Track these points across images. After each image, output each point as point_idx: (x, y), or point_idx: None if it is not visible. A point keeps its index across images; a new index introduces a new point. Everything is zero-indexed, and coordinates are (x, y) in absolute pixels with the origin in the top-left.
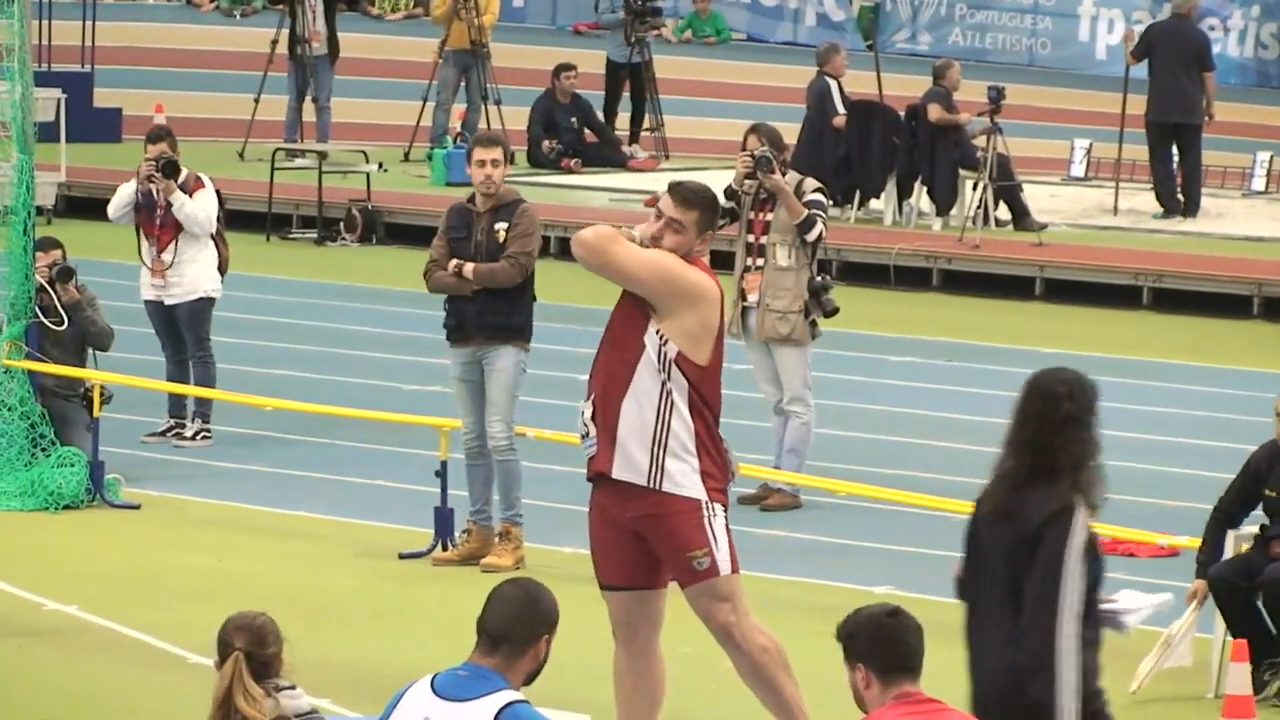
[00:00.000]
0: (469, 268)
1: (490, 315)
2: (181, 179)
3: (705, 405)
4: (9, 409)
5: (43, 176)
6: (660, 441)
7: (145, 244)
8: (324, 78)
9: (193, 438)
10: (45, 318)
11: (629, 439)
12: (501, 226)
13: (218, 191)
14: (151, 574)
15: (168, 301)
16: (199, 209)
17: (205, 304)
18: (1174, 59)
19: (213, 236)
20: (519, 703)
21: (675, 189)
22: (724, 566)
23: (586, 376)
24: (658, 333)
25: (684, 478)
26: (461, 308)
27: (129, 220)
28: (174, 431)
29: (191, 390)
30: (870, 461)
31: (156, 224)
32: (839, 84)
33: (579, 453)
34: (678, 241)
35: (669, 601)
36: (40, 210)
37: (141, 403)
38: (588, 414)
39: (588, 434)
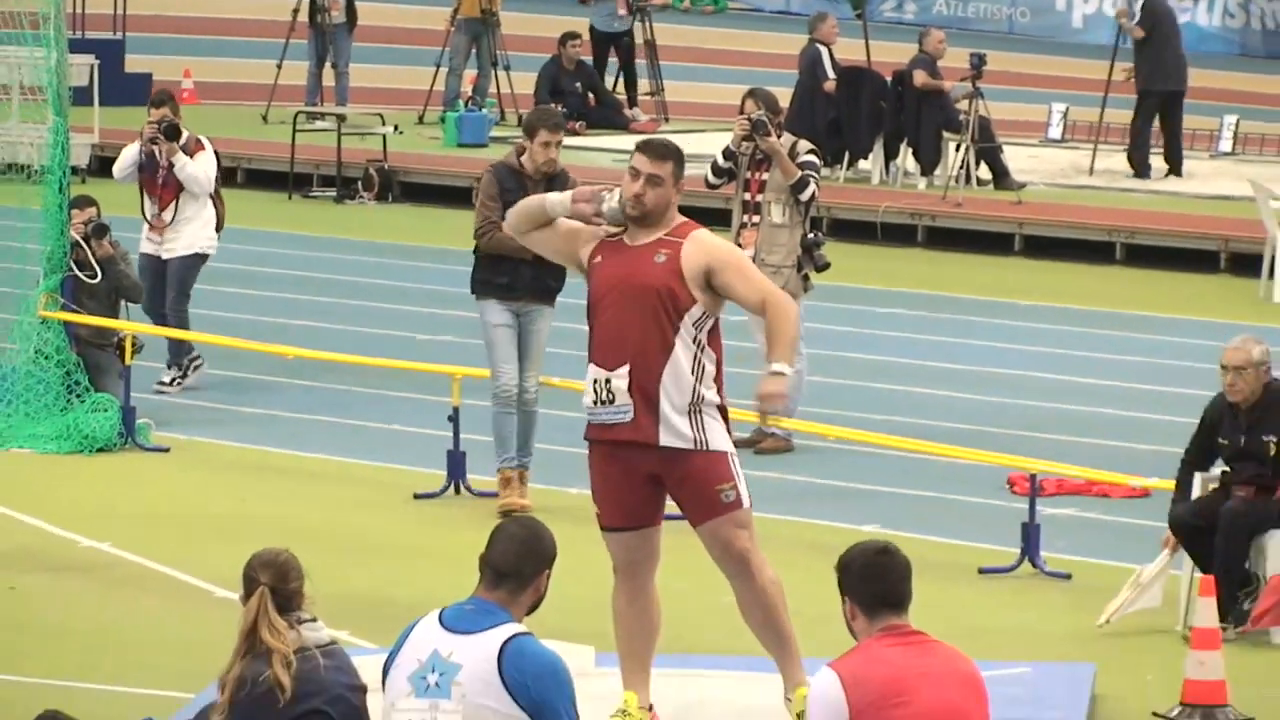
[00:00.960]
0: None
1: (546, 278)
2: (183, 141)
3: (720, 364)
4: (45, 357)
5: (77, 138)
6: (696, 408)
7: (147, 202)
8: (342, 45)
9: (170, 383)
10: (80, 271)
11: (671, 411)
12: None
13: (216, 153)
14: (179, 513)
15: (164, 256)
16: (199, 170)
17: (198, 259)
18: (1173, 30)
19: (211, 196)
20: (522, 635)
21: (646, 146)
22: (745, 499)
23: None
24: (703, 311)
25: (720, 435)
26: (517, 269)
27: (133, 179)
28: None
29: (212, 338)
30: (859, 407)
31: (159, 183)
32: (829, 50)
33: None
34: (658, 194)
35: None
36: (75, 170)
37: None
38: (620, 383)
39: (612, 400)
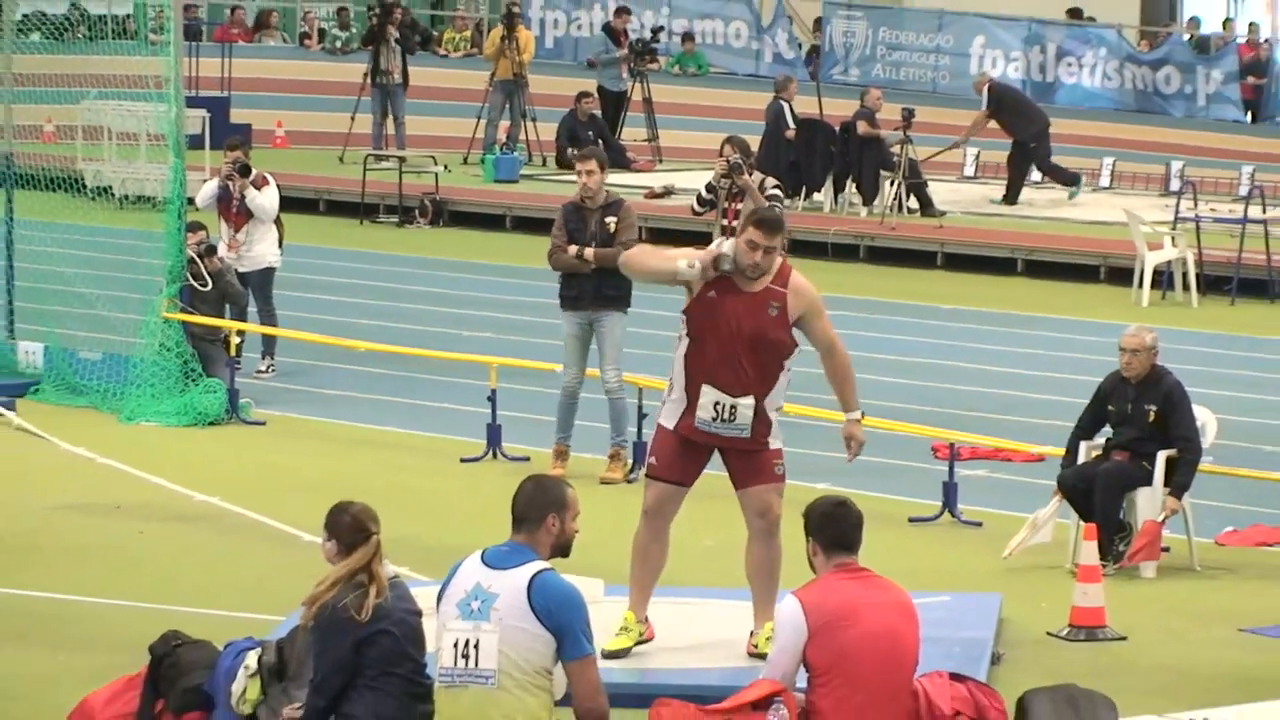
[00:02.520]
0: (589, 252)
1: (605, 288)
2: (252, 177)
3: None
4: (167, 350)
5: (191, 175)
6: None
7: (224, 226)
8: (399, 101)
9: (265, 370)
10: (194, 281)
11: (769, 428)
12: (611, 220)
13: (278, 186)
14: (274, 473)
15: (240, 269)
16: (265, 200)
17: (270, 272)
18: (1018, 98)
19: (275, 220)
20: (546, 570)
21: (762, 223)
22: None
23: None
24: (795, 348)
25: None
26: (581, 282)
27: (212, 208)
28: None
29: (298, 334)
30: (813, 389)
31: (233, 211)
32: (790, 106)
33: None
34: (771, 259)
35: None
36: (189, 201)
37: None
38: (746, 410)
39: (733, 419)
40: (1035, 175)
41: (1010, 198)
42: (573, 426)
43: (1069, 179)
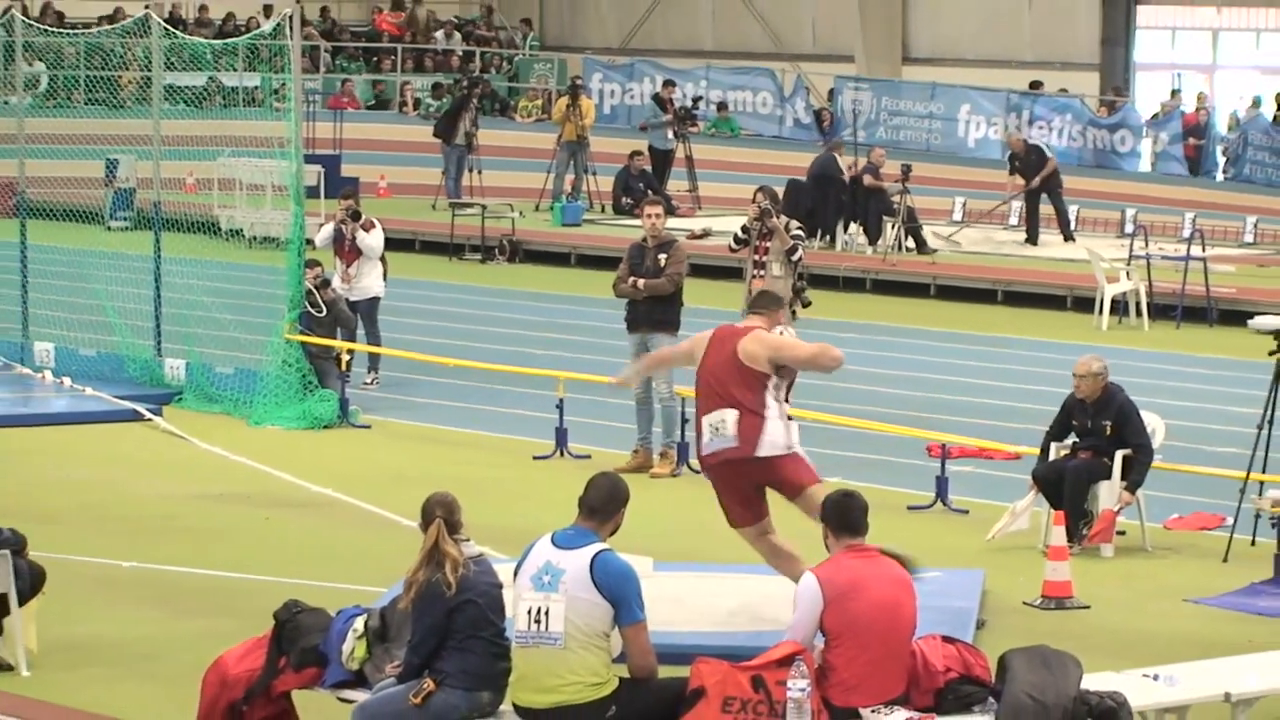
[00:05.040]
0: (641, 283)
1: (655, 313)
2: (360, 221)
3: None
4: (288, 365)
5: (309, 220)
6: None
7: (338, 262)
8: (470, 159)
9: (370, 382)
10: (311, 309)
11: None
12: (663, 256)
13: (384, 229)
14: (378, 469)
15: (351, 298)
16: (373, 240)
17: (375, 300)
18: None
19: (380, 257)
20: (607, 550)
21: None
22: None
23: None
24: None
25: None
26: (636, 308)
27: (328, 247)
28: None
29: (397, 352)
30: (829, 397)
31: (345, 249)
32: (838, 158)
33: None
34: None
35: None
36: (308, 241)
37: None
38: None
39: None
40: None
41: (1032, 238)
42: (650, 430)
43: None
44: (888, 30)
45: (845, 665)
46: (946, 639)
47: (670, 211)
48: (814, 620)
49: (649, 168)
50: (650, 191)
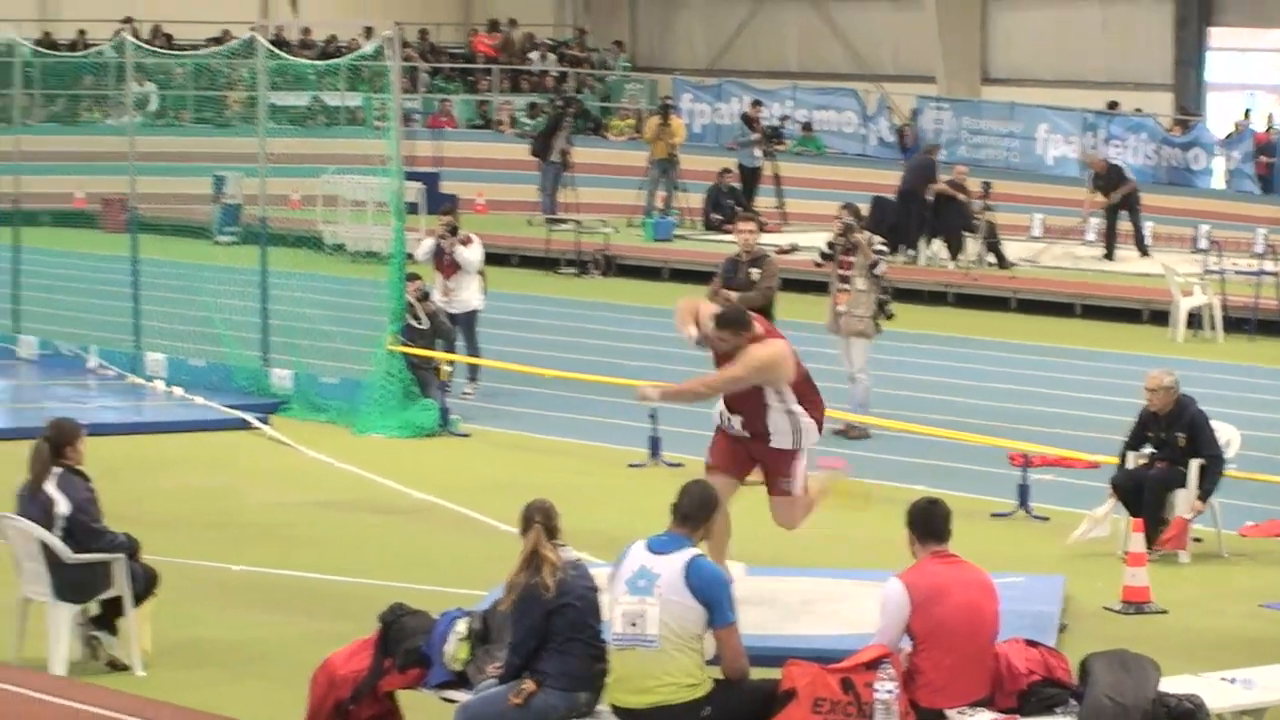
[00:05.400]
0: (728, 293)
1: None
2: (459, 236)
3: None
4: (391, 375)
5: (410, 235)
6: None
7: (438, 276)
8: (565, 176)
9: (469, 392)
10: (412, 321)
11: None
12: (755, 271)
13: (482, 244)
14: (477, 476)
15: (451, 311)
16: (471, 255)
17: (474, 313)
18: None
19: (479, 271)
20: (699, 556)
21: (719, 321)
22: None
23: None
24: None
25: None
26: None
27: (428, 262)
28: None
29: (496, 364)
30: (913, 408)
31: (445, 263)
32: (935, 164)
33: None
34: (738, 341)
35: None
36: (409, 256)
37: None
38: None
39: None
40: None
41: (1109, 254)
42: None
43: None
44: (967, 52)
45: (932, 668)
46: (1029, 642)
47: (760, 228)
48: (901, 624)
49: (738, 185)
50: (741, 208)
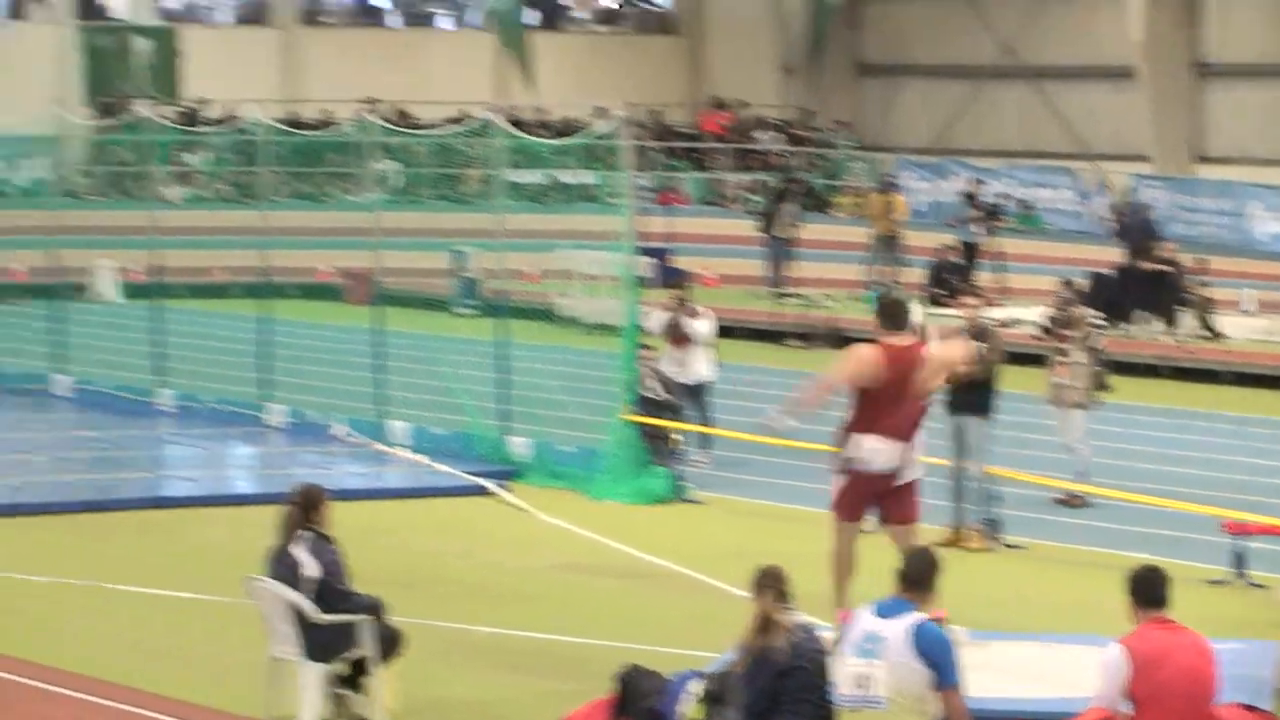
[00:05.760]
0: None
1: (970, 397)
2: (691, 309)
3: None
4: (625, 443)
5: (643, 308)
6: None
7: (669, 347)
8: (793, 252)
9: (701, 460)
10: (645, 391)
11: None
12: (980, 345)
13: (714, 317)
14: (709, 542)
15: (682, 381)
16: (701, 327)
17: (706, 384)
18: None
19: (709, 343)
20: (925, 620)
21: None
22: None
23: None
24: None
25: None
26: (954, 391)
27: (661, 333)
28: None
29: (727, 433)
30: (1128, 477)
31: (677, 335)
32: (1153, 222)
33: None
34: None
35: None
36: (642, 328)
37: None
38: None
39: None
40: None
41: None
42: (963, 505)
43: None
44: (1180, 131)
45: None
46: (1247, 706)
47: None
48: (1120, 688)
49: (960, 260)
50: (962, 283)
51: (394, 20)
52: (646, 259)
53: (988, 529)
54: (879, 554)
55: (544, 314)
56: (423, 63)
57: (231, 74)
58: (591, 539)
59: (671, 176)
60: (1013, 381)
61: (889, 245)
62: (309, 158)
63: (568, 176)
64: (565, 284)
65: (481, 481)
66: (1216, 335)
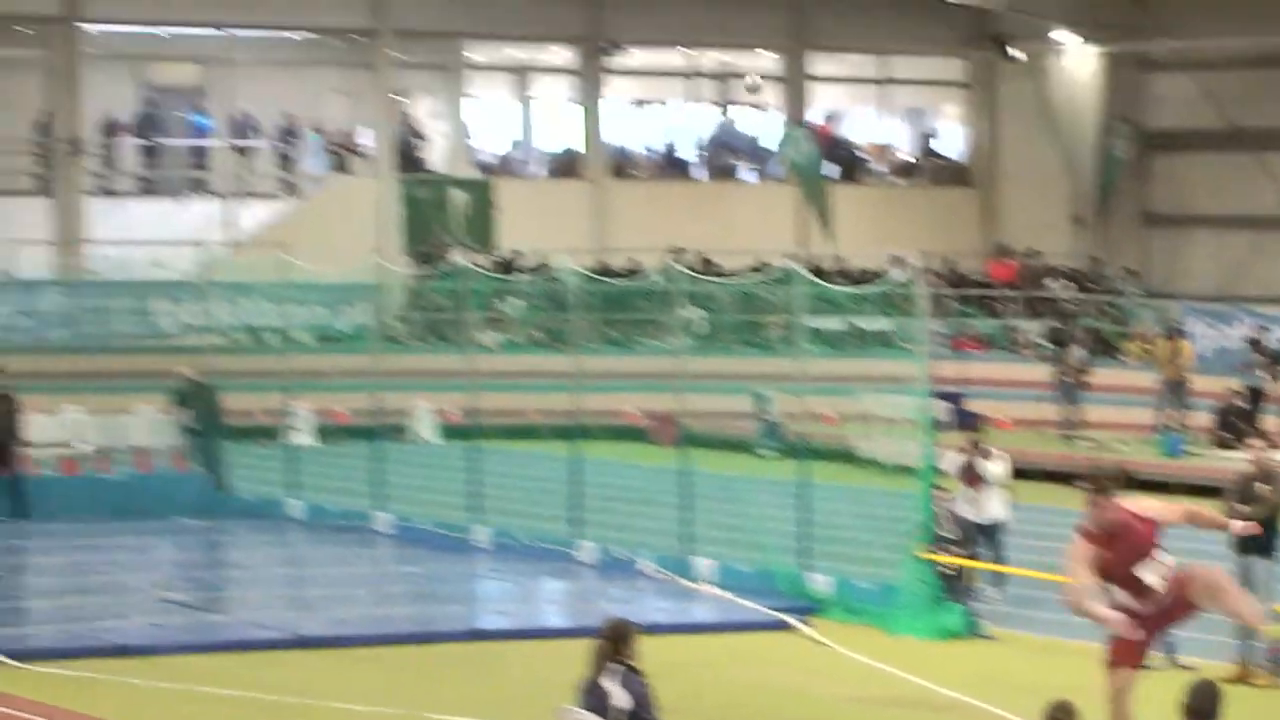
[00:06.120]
0: (1238, 525)
1: (1255, 538)
2: (985, 451)
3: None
4: (921, 581)
5: (938, 450)
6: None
7: (964, 488)
8: (1083, 396)
9: (997, 597)
10: (941, 530)
11: None
12: (1265, 488)
13: (1008, 459)
14: (1003, 676)
15: (977, 521)
16: (995, 468)
17: (1000, 524)
18: None
19: (1004, 484)
20: None
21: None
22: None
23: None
24: None
25: None
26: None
27: (956, 474)
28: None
29: (1019, 570)
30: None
31: (971, 476)
32: None
33: None
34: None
35: None
36: (938, 469)
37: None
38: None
39: None
40: None
41: None
42: (1249, 642)
43: None
44: None
45: None
46: None
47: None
48: None
49: (1245, 404)
50: (1248, 426)
51: (699, 172)
52: (942, 403)
53: (1275, 666)
54: (1168, 691)
55: (843, 455)
56: (726, 213)
57: (544, 224)
58: (889, 672)
59: (965, 323)
60: None
61: (1176, 390)
62: (617, 305)
63: (865, 323)
64: (864, 426)
65: (783, 617)
66: None
